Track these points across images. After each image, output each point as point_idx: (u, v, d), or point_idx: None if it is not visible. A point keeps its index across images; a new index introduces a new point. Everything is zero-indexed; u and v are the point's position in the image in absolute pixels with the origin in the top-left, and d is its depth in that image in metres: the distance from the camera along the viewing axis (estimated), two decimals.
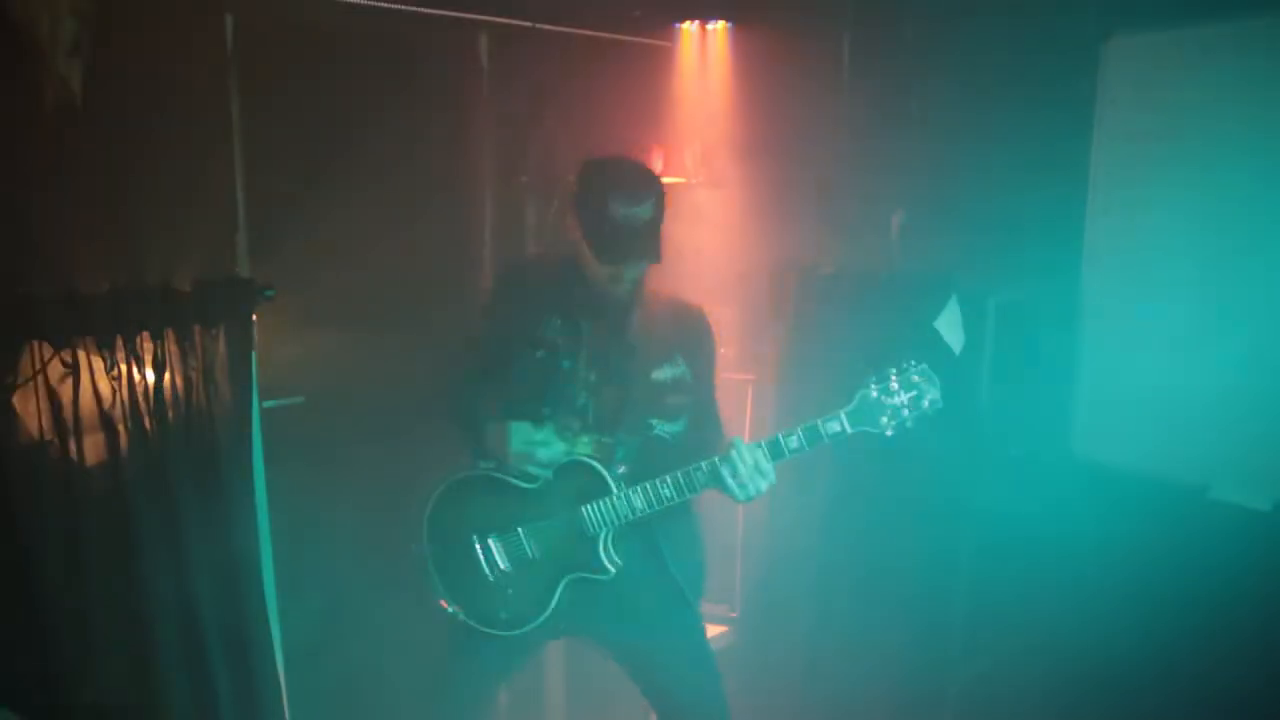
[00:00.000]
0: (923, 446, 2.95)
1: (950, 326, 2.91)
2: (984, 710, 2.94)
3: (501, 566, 2.41)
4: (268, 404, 2.70)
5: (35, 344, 2.11)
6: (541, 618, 2.38)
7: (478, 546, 2.42)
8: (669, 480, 2.25)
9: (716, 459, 2.21)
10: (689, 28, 3.73)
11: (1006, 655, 2.94)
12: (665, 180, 3.68)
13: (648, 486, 2.27)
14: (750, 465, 2.20)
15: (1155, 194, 2.62)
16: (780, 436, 2.23)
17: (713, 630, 3.46)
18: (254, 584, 2.53)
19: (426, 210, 3.26)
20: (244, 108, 2.71)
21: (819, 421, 2.23)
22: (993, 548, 2.91)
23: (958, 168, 3.05)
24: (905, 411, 2.22)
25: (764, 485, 2.23)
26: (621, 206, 2.21)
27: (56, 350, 2.12)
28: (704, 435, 2.44)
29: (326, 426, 3.05)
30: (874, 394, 2.21)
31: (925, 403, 2.21)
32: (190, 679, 2.41)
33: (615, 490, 2.30)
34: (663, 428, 2.41)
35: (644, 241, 2.26)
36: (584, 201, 2.25)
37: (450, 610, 2.47)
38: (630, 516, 2.30)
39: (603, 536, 2.33)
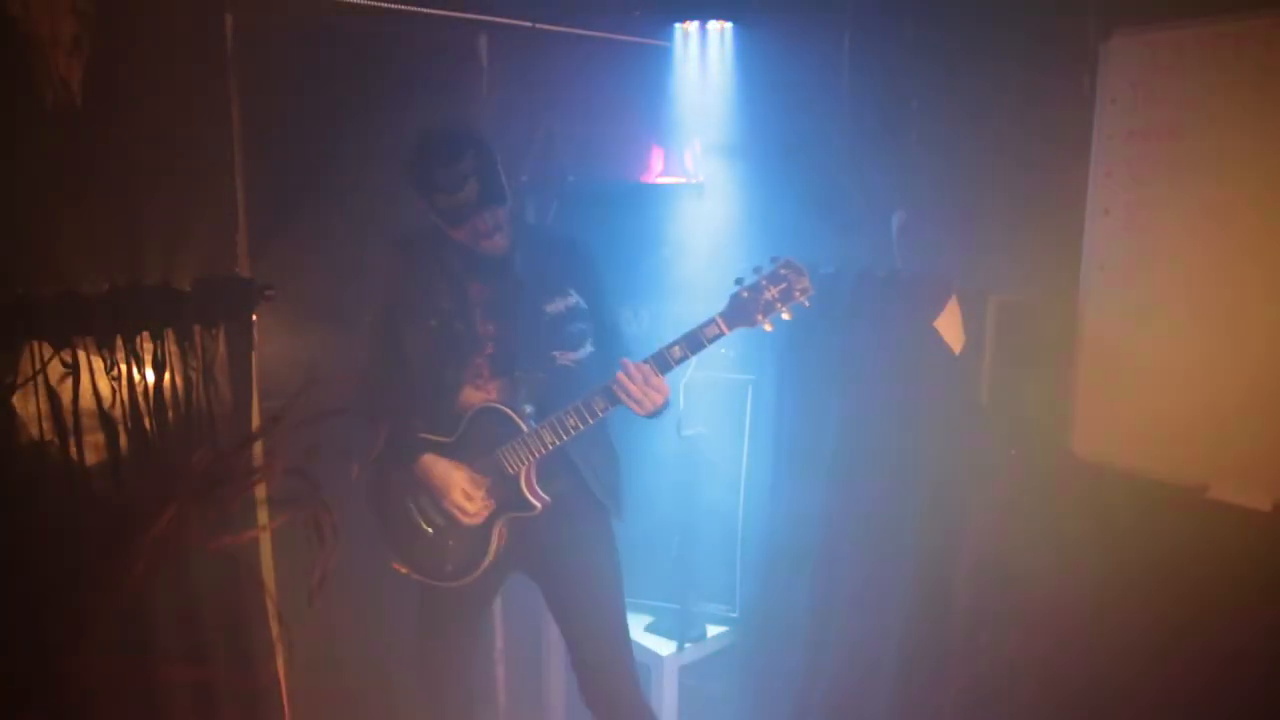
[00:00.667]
0: (923, 447, 2.97)
1: (950, 326, 2.91)
2: (984, 710, 2.94)
3: (438, 522, 2.54)
4: (267, 404, 2.70)
5: (35, 344, 2.11)
6: (485, 562, 2.52)
7: (411, 507, 2.56)
8: (571, 410, 2.38)
9: (610, 381, 2.35)
10: (689, 28, 3.73)
11: (1006, 655, 2.93)
12: (663, 180, 3.72)
13: (553, 420, 2.40)
14: (640, 380, 2.33)
15: (1155, 194, 2.62)
16: (664, 348, 2.35)
17: (713, 630, 3.46)
18: (254, 583, 2.53)
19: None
20: (244, 108, 2.71)
21: (697, 327, 2.33)
22: (992, 548, 2.91)
23: (958, 168, 3.05)
24: (778, 305, 2.30)
25: (659, 399, 2.37)
26: (442, 170, 2.32)
27: (56, 350, 2.13)
28: (609, 356, 2.54)
29: (326, 426, 3.05)
30: (744, 295, 2.30)
31: (796, 293, 2.30)
32: (191, 678, 2.41)
33: (525, 429, 2.43)
34: (566, 358, 2.54)
35: (480, 192, 2.34)
36: (413, 180, 2.39)
37: (404, 573, 2.61)
38: (544, 450, 2.42)
39: (522, 474, 2.46)
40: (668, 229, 3.49)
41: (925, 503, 2.96)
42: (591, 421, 2.40)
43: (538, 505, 2.48)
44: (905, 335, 2.96)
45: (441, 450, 2.52)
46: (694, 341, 2.34)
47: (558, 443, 2.42)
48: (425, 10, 3.09)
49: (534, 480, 2.49)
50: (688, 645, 3.34)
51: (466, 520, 2.49)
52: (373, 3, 3.00)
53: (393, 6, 3.03)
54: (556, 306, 2.54)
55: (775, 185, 3.51)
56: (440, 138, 2.38)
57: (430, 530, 2.56)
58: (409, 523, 2.58)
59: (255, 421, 2.59)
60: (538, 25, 3.39)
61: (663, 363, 2.35)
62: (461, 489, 2.48)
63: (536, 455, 2.44)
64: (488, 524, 2.51)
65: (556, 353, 2.53)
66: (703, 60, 3.67)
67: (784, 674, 3.31)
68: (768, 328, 2.33)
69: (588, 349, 2.58)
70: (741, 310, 2.32)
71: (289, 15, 2.81)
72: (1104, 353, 2.77)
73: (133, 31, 2.39)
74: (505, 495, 2.49)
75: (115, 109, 2.36)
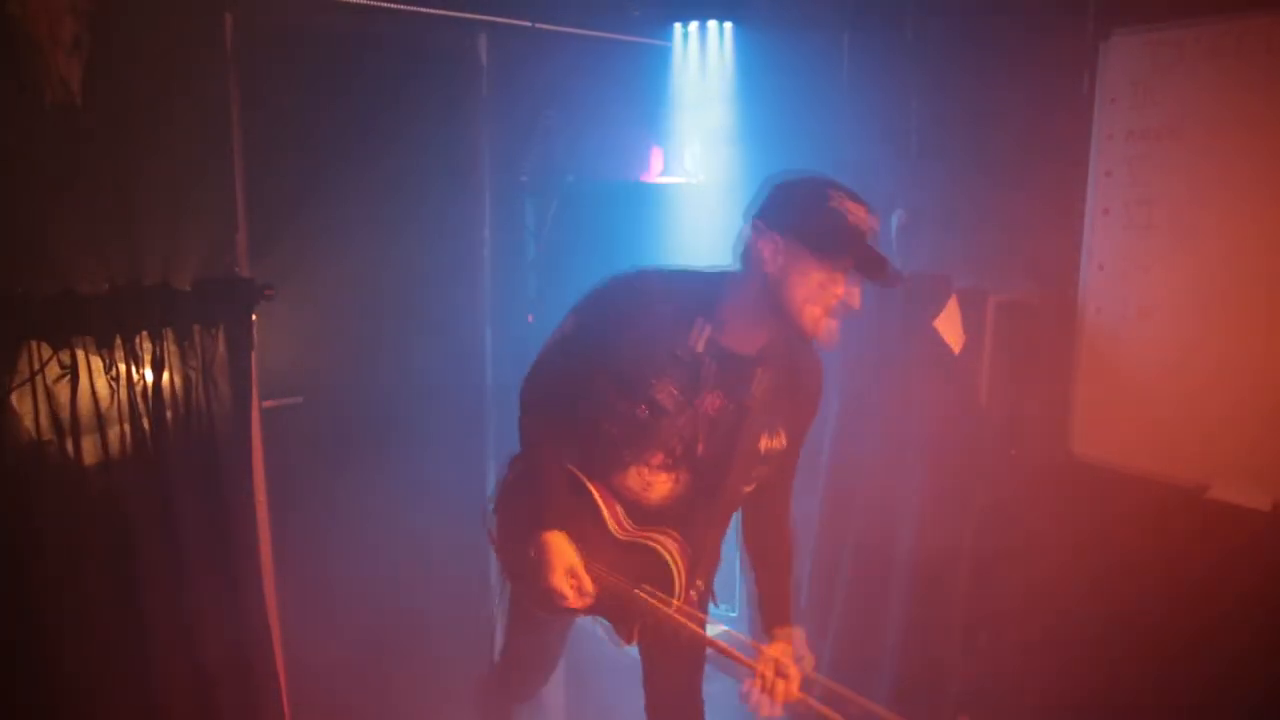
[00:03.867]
0: (923, 446, 2.97)
1: (950, 326, 2.91)
2: (984, 710, 2.94)
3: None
4: (267, 404, 2.71)
5: (33, 344, 2.11)
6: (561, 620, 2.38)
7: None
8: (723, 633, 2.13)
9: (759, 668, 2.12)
10: (689, 28, 3.72)
11: (1006, 655, 2.93)
12: (663, 180, 3.71)
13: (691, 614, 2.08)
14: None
15: (1155, 193, 2.62)
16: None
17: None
18: (254, 583, 2.53)
19: (426, 210, 3.26)
20: (244, 108, 2.71)
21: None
22: (992, 548, 2.91)
23: (958, 167, 3.05)
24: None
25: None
26: (865, 212, 1.90)
27: (55, 350, 2.12)
28: (764, 503, 2.23)
29: (326, 426, 3.06)
30: None
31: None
32: (190, 678, 2.41)
33: (672, 606, 2.07)
34: (743, 492, 2.17)
35: (875, 259, 1.92)
36: (810, 209, 1.91)
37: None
38: (661, 627, 2.09)
39: (637, 628, 2.15)
40: (667, 228, 3.49)
41: (925, 502, 2.96)
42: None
43: (625, 646, 2.19)
44: (905, 335, 2.95)
45: (599, 538, 2.13)
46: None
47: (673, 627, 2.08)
48: (425, 10, 3.09)
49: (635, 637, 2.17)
50: None
51: (556, 601, 2.08)
52: (373, 3, 3.00)
53: (393, 6, 3.03)
54: (763, 444, 2.11)
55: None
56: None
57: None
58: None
59: (255, 421, 2.59)
60: (538, 25, 3.39)
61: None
62: (572, 575, 2.06)
63: (662, 621, 2.08)
64: (591, 609, 2.16)
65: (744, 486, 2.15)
66: (703, 60, 3.67)
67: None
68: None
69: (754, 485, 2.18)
70: None
71: (289, 15, 2.81)
72: (1104, 353, 2.77)
73: (133, 31, 2.39)
74: (614, 607, 2.15)
75: (115, 109, 2.36)
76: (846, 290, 1.93)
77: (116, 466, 2.25)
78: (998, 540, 2.89)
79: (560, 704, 3.54)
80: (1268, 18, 2.35)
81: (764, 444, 2.10)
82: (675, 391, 2.03)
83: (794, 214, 1.92)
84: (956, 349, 2.91)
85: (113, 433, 2.24)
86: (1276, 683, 2.35)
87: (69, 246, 2.30)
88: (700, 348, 2.01)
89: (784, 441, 2.13)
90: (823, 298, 1.92)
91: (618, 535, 2.13)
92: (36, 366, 2.10)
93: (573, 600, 2.05)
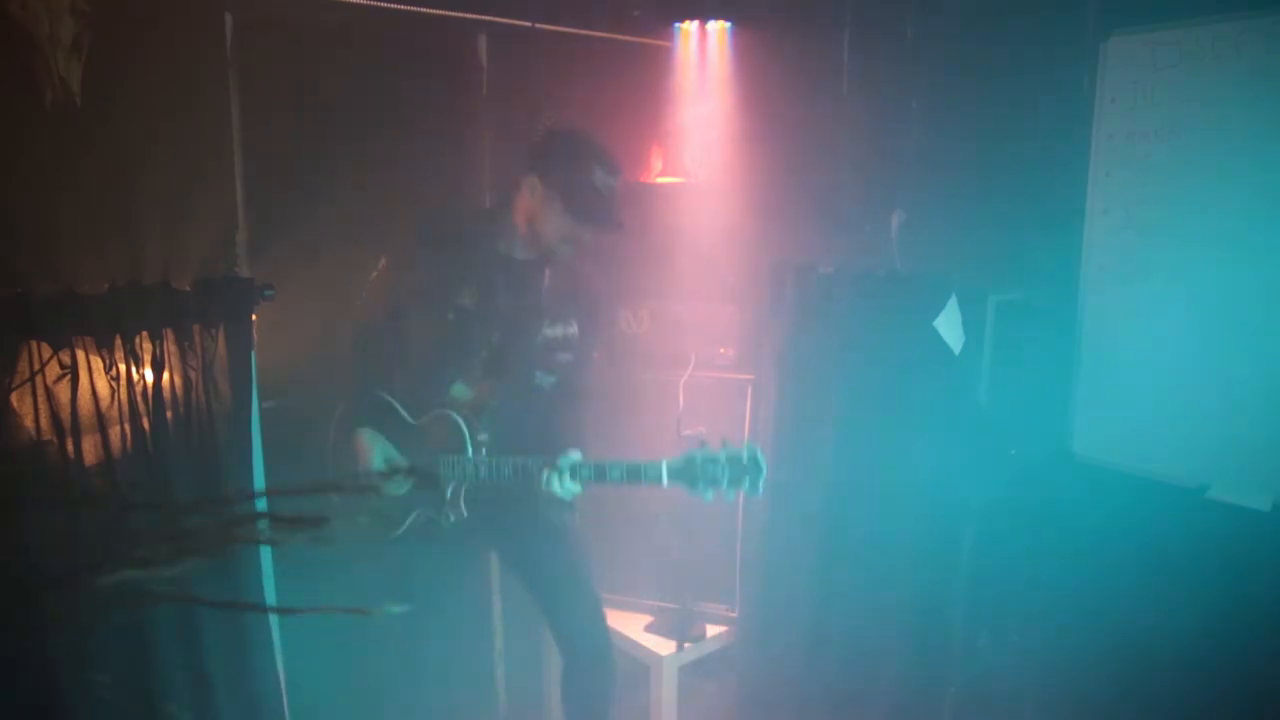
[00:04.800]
0: (923, 446, 2.97)
1: (950, 326, 2.91)
2: (984, 710, 2.94)
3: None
4: (268, 404, 2.70)
5: (33, 344, 2.11)
6: (392, 535, 2.60)
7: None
8: (510, 465, 2.47)
9: (545, 472, 2.41)
10: (689, 28, 3.72)
11: (1006, 655, 2.93)
12: (665, 180, 3.71)
13: (493, 462, 2.50)
14: (563, 487, 2.41)
15: (1155, 193, 2.62)
16: (606, 464, 2.41)
17: (712, 630, 3.45)
18: (254, 583, 2.53)
19: (426, 210, 3.25)
20: (244, 108, 2.71)
21: (643, 465, 2.38)
22: (992, 548, 2.91)
23: (957, 167, 3.04)
24: (723, 484, 2.32)
25: (574, 492, 2.44)
26: (604, 175, 2.46)
27: (55, 350, 2.12)
28: (573, 387, 2.68)
29: (326, 426, 3.05)
30: (698, 459, 2.32)
31: (745, 483, 2.31)
32: (190, 678, 2.41)
33: (469, 453, 2.52)
34: (542, 378, 2.64)
35: (615, 209, 2.50)
36: (564, 167, 2.47)
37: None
38: (474, 479, 2.52)
39: (449, 488, 2.54)
40: (667, 228, 3.48)
41: (925, 503, 2.96)
42: (519, 484, 2.47)
43: (452, 518, 2.57)
44: (905, 335, 2.95)
45: (400, 427, 2.61)
46: (633, 474, 2.40)
47: (489, 480, 2.50)
48: (425, 10, 3.09)
49: (460, 499, 2.56)
50: (687, 645, 3.34)
51: (385, 489, 2.58)
52: (373, 3, 3.00)
53: (393, 6, 3.03)
54: (555, 331, 2.65)
55: (775, 184, 3.50)
56: (605, 146, 2.53)
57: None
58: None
59: (255, 422, 2.59)
60: (538, 25, 3.39)
61: (599, 473, 2.41)
62: (383, 458, 2.57)
63: (466, 481, 2.53)
64: (407, 507, 2.60)
65: (539, 372, 2.63)
66: (703, 60, 3.67)
67: (784, 674, 3.31)
68: (706, 498, 2.34)
69: (558, 375, 2.67)
70: (688, 472, 2.34)
71: (289, 15, 2.81)
72: (1104, 353, 2.77)
73: (133, 31, 2.39)
74: (428, 495, 2.57)
75: (115, 109, 2.36)
76: (582, 238, 2.52)
77: (116, 466, 2.24)
78: (998, 540, 2.89)
79: (560, 704, 3.54)
80: (1268, 18, 2.35)
81: (552, 331, 2.62)
82: (477, 295, 2.56)
83: (561, 172, 2.47)
84: (956, 349, 2.91)
85: (113, 433, 2.24)
86: (1277, 683, 2.35)
87: (69, 246, 2.30)
88: (491, 258, 2.58)
89: (575, 329, 2.65)
90: (564, 237, 2.52)
91: (412, 420, 2.61)
92: (36, 366, 2.10)
93: (390, 474, 2.53)
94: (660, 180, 3.73)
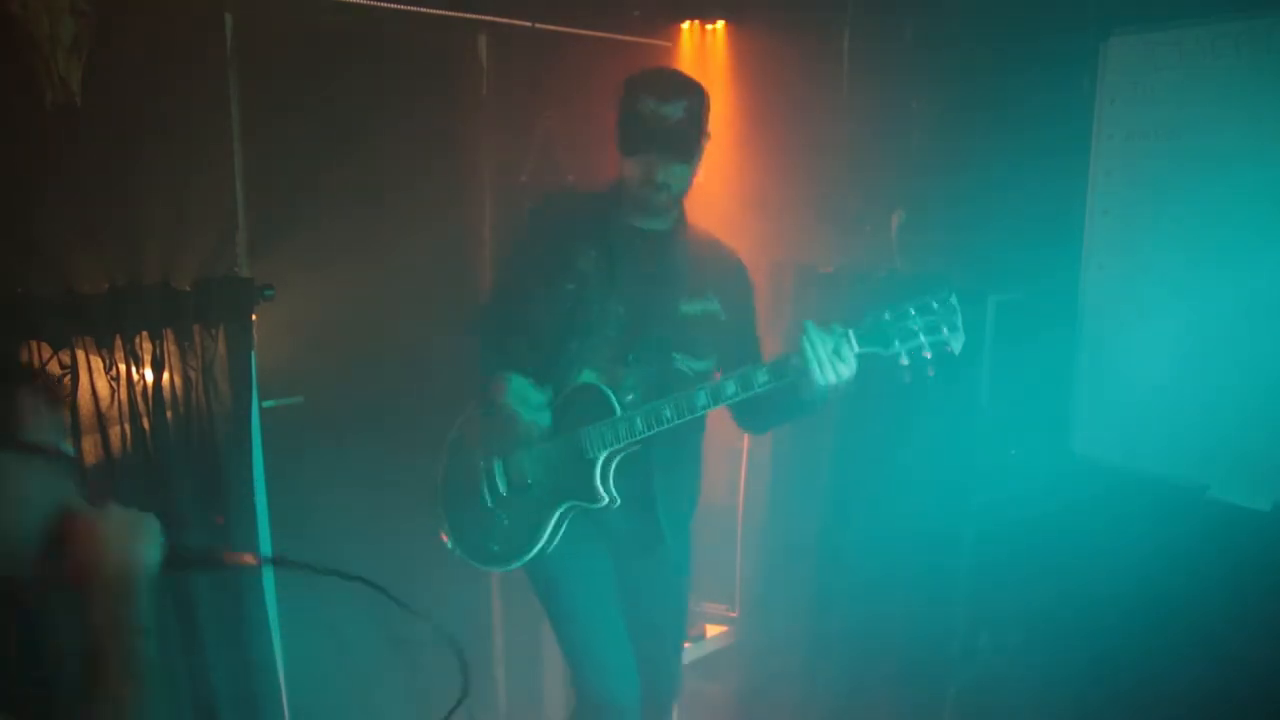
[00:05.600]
0: (922, 446, 2.97)
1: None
2: (984, 710, 2.94)
3: (501, 492, 2.41)
4: (268, 404, 2.70)
5: (33, 344, 2.11)
6: (534, 549, 2.37)
7: (482, 466, 2.44)
8: (671, 404, 2.22)
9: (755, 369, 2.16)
10: (689, 28, 3.73)
11: (1006, 655, 2.93)
12: None
13: (649, 409, 2.25)
14: (829, 348, 2.09)
15: (1155, 193, 2.62)
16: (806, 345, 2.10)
17: (712, 630, 3.46)
18: (253, 584, 2.54)
19: (426, 210, 3.26)
20: (244, 108, 2.71)
21: (836, 333, 2.10)
22: (991, 547, 2.91)
23: (958, 167, 3.04)
24: (921, 336, 2.09)
25: (845, 371, 2.10)
26: (651, 103, 2.23)
27: (55, 350, 2.12)
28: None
29: (326, 426, 3.05)
30: (885, 317, 2.11)
31: (944, 330, 2.09)
32: (190, 678, 2.41)
33: (618, 411, 2.28)
34: (686, 363, 2.38)
35: (671, 138, 2.24)
36: (621, 104, 2.30)
37: (449, 546, 2.49)
38: (630, 437, 2.27)
39: (600, 460, 2.30)
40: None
41: (925, 502, 2.96)
42: (687, 416, 2.22)
43: (604, 499, 2.31)
44: None
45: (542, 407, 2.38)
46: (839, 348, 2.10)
47: (646, 431, 2.25)
48: (425, 10, 3.09)
49: (610, 473, 2.32)
50: (687, 645, 3.34)
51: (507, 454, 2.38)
52: (373, 3, 3.00)
53: (393, 6, 3.03)
54: (693, 307, 2.39)
55: (775, 184, 3.51)
56: (666, 76, 2.36)
57: (490, 502, 2.42)
58: (471, 485, 2.45)
59: (255, 422, 2.59)
60: (538, 25, 3.39)
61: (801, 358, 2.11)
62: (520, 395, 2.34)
63: (621, 441, 2.28)
64: (549, 507, 2.36)
65: (679, 355, 2.38)
66: (703, 60, 3.67)
67: (784, 674, 3.31)
68: (904, 360, 2.11)
69: (710, 362, 2.41)
70: (877, 331, 2.10)
71: (289, 15, 2.81)
72: (1104, 353, 2.77)
73: (133, 31, 2.39)
74: (575, 480, 2.33)
75: (115, 109, 2.36)
76: (662, 169, 2.26)
77: (116, 466, 2.25)
78: (998, 540, 2.89)
79: (560, 704, 3.54)
80: (1268, 18, 2.35)
81: (690, 308, 2.37)
82: (597, 265, 2.35)
83: (617, 110, 2.31)
84: (956, 349, 2.91)
85: (113, 433, 2.24)
86: (1277, 682, 2.35)
87: (69, 246, 2.30)
88: (611, 227, 2.37)
89: (717, 305, 2.40)
90: (636, 178, 2.30)
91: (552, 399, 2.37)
92: (36, 366, 2.10)
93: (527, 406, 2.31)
94: None
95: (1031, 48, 2.84)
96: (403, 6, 3.05)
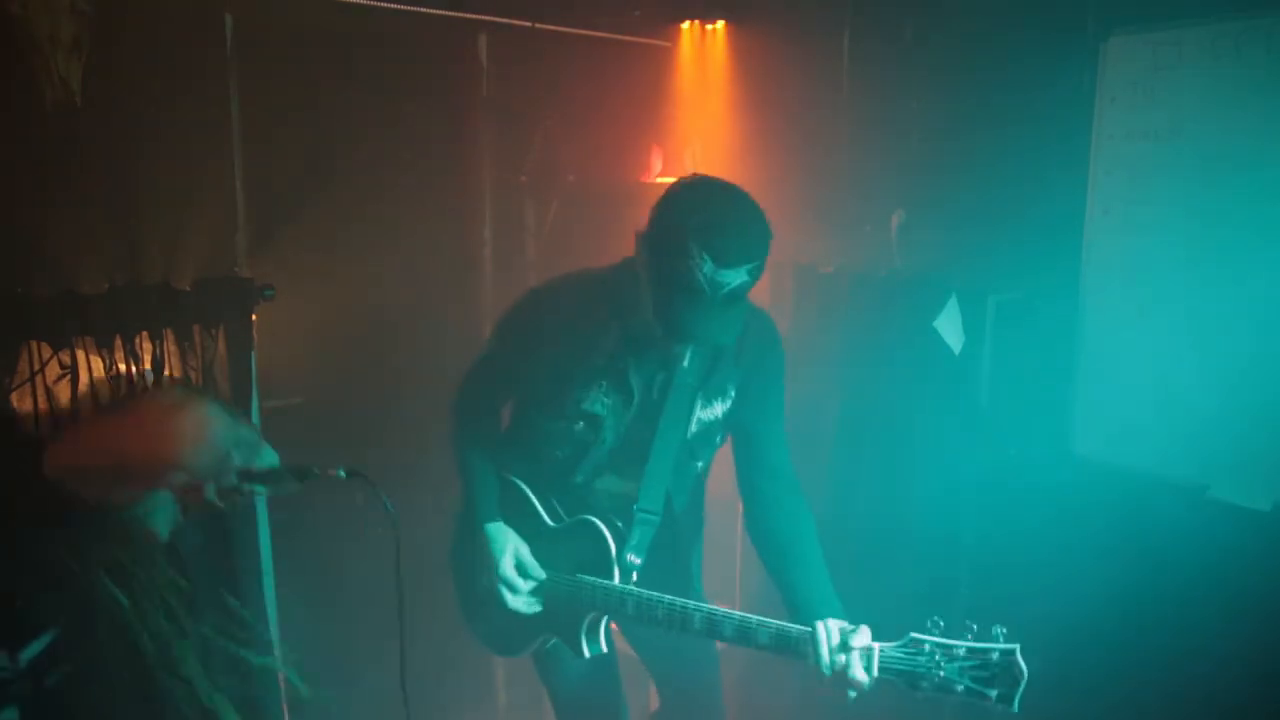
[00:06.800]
0: (922, 446, 2.97)
1: (950, 326, 2.91)
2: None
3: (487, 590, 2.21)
4: (268, 404, 2.70)
5: (33, 344, 2.11)
6: (518, 655, 2.25)
7: (472, 557, 2.25)
8: (664, 607, 1.92)
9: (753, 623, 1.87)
10: (689, 28, 3.73)
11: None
12: (665, 180, 3.71)
13: (645, 599, 1.95)
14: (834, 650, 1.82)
15: (1155, 193, 2.62)
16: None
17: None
18: (253, 584, 2.53)
19: (426, 210, 3.26)
20: (244, 108, 2.71)
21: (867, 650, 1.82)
22: (991, 547, 2.91)
23: (958, 167, 3.04)
24: (958, 687, 1.74)
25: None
26: (713, 268, 1.74)
27: (55, 350, 2.12)
28: (757, 480, 2.12)
29: (326, 426, 3.06)
30: (926, 649, 1.79)
31: (990, 692, 1.72)
32: (190, 679, 2.41)
33: (615, 578, 2.02)
34: (694, 465, 2.15)
35: (724, 317, 1.81)
36: (658, 244, 1.82)
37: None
38: (619, 613, 2.01)
39: (588, 619, 2.05)
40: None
41: (925, 502, 2.96)
42: (677, 629, 1.93)
43: (585, 654, 2.07)
44: (905, 335, 2.95)
45: (534, 528, 2.15)
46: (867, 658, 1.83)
47: (636, 617, 1.98)
48: (425, 10, 3.10)
49: (600, 633, 2.09)
50: None
51: (510, 601, 2.11)
52: (373, 3, 3.00)
53: (393, 6, 3.03)
54: (712, 413, 2.08)
55: (775, 184, 3.50)
56: (735, 223, 1.81)
57: (481, 594, 2.21)
58: (468, 566, 2.27)
59: (255, 422, 2.59)
60: (538, 25, 3.39)
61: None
62: (516, 561, 2.11)
63: (608, 615, 2.06)
64: (531, 633, 2.18)
65: (698, 462, 2.15)
66: (702, 60, 3.67)
67: (784, 674, 3.31)
68: (917, 694, 1.78)
69: (716, 444, 2.16)
70: (908, 664, 1.78)
71: (289, 15, 2.81)
72: (1104, 353, 2.77)
73: (133, 31, 2.39)
74: (559, 623, 2.10)
75: (115, 109, 2.36)
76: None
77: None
78: (998, 540, 2.89)
79: None
80: (1268, 18, 2.35)
81: (706, 413, 2.07)
82: (607, 400, 2.02)
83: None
84: (956, 349, 2.91)
85: None
86: (1276, 682, 2.35)
87: (69, 246, 2.30)
88: (617, 347, 1.99)
89: (730, 404, 2.09)
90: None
91: (551, 523, 2.15)
92: (36, 366, 2.10)
93: (523, 585, 2.08)
94: (660, 180, 3.73)
95: (1031, 48, 2.84)
96: (403, 6, 3.05)
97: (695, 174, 1.94)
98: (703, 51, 3.69)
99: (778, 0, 3.58)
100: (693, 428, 2.07)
